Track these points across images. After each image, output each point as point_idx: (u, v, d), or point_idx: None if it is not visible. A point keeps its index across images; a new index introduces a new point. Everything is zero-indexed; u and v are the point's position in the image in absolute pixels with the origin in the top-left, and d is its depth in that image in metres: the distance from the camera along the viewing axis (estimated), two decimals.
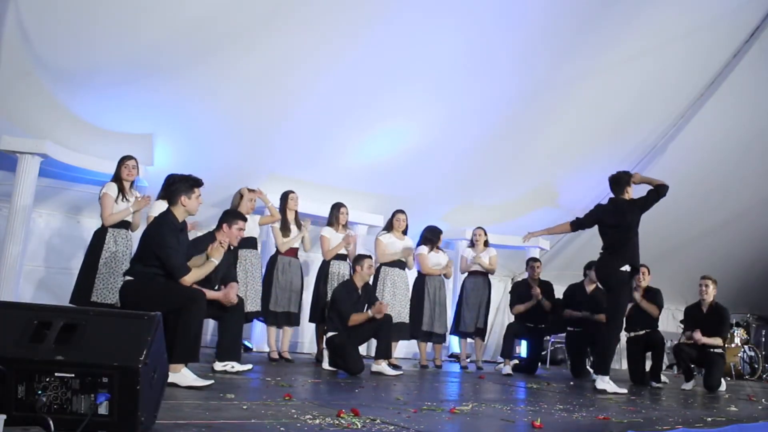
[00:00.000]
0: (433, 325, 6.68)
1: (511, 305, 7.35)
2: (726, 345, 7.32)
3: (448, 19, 6.16)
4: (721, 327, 6.48)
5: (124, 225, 5.13)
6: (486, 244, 7.32)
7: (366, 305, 5.78)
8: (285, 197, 6.27)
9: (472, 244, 7.36)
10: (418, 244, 6.85)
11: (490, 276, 7.33)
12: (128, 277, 3.92)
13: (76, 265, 5.39)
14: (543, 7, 6.48)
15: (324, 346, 5.72)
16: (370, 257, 5.90)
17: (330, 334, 5.53)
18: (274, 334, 6.13)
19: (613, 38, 6.95)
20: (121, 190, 5.11)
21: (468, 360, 7.31)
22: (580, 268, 7.48)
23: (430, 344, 7.06)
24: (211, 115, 6.29)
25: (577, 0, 6.57)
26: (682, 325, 9.54)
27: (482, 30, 6.39)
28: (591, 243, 9.35)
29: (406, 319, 6.45)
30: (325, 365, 5.55)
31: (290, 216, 6.20)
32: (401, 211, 6.65)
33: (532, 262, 7.41)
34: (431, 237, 6.81)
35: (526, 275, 7.51)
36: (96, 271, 4.90)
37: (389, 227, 6.65)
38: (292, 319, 6.13)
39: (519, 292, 7.31)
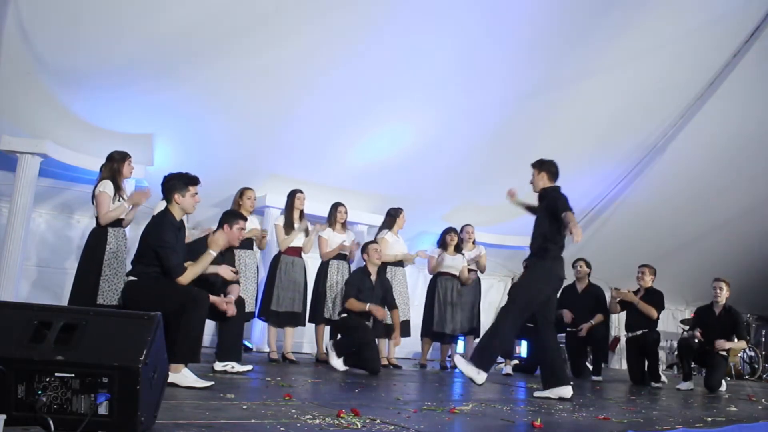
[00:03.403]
0: (444, 325, 6.67)
1: None
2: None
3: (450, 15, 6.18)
4: (738, 329, 6.38)
5: (118, 223, 5.04)
6: (474, 242, 7.30)
7: (381, 298, 5.83)
8: (292, 195, 6.22)
9: (461, 242, 7.28)
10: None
11: (480, 275, 7.31)
12: (131, 278, 3.92)
13: (71, 265, 5.34)
14: (543, 7, 6.48)
15: (331, 344, 5.76)
16: (375, 242, 6.00)
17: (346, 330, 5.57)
18: (274, 334, 6.10)
19: (614, 38, 6.95)
20: (118, 187, 4.95)
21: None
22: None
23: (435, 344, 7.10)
24: (211, 115, 6.29)
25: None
26: (683, 326, 9.58)
27: (484, 28, 6.40)
28: (591, 242, 9.40)
29: (408, 317, 6.48)
30: (339, 365, 5.45)
31: (295, 215, 6.18)
32: (400, 208, 6.72)
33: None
34: (443, 240, 6.90)
35: None
36: (100, 273, 4.81)
37: (390, 225, 6.66)
38: (296, 319, 6.09)
39: None
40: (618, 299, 6.79)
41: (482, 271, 7.31)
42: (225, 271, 4.32)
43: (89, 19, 5.20)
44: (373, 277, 5.83)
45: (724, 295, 6.43)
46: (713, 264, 9.62)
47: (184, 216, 4.19)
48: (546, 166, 4.83)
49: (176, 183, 3.97)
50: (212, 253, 4.08)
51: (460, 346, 7.94)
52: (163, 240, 3.83)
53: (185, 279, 3.89)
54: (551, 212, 4.58)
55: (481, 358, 4.36)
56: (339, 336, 5.85)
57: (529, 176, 4.95)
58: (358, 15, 5.85)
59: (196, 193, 4.03)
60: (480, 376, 4.30)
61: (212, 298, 4.15)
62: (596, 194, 9.03)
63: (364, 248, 6.00)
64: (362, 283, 5.68)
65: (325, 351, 6.31)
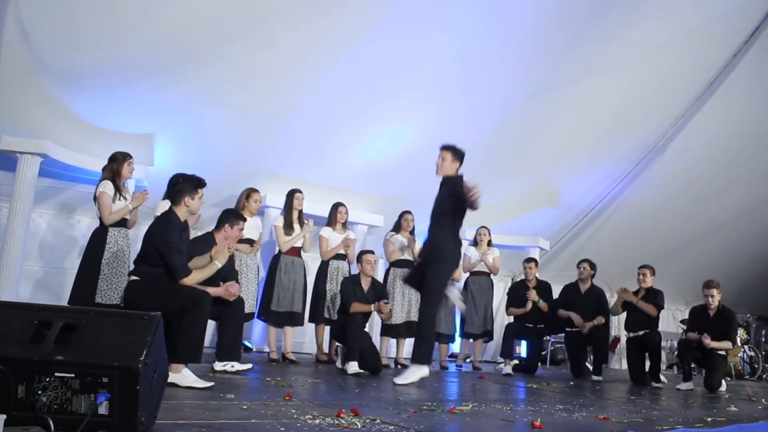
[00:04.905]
0: (440, 325, 6.66)
1: (507, 306, 7.35)
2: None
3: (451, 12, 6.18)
4: (729, 330, 6.37)
5: (122, 223, 5.06)
6: (489, 243, 7.31)
7: (375, 302, 5.83)
8: (290, 195, 6.22)
9: (475, 243, 7.33)
10: None
11: (492, 276, 7.33)
12: (133, 277, 3.92)
13: (71, 265, 5.34)
14: (543, 7, 6.48)
15: (336, 347, 5.75)
16: (370, 252, 5.98)
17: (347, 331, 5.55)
18: (274, 334, 6.10)
19: (614, 38, 6.96)
20: (118, 188, 4.96)
21: (467, 360, 7.30)
22: None
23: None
24: (212, 115, 6.29)
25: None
26: (683, 326, 9.58)
27: (484, 28, 6.41)
28: (591, 243, 9.41)
29: (416, 318, 6.48)
30: (353, 368, 5.31)
31: (294, 215, 6.19)
32: (409, 212, 6.69)
33: (526, 263, 7.37)
34: None
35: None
36: (99, 272, 4.82)
37: (397, 228, 6.67)
38: (296, 319, 6.08)
39: (517, 293, 7.30)
40: (621, 300, 6.79)
41: (494, 273, 7.32)
42: (227, 293, 4.36)
43: (89, 19, 5.20)
44: (366, 286, 5.82)
45: (716, 300, 6.43)
46: (713, 264, 9.63)
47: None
48: (460, 155, 5.10)
49: (186, 186, 3.98)
50: (217, 264, 4.10)
51: (456, 345, 7.96)
52: (169, 240, 3.83)
53: (189, 281, 3.89)
54: (455, 199, 4.90)
55: (421, 354, 4.81)
56: (338, 344, 5.82)
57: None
58: (358, 15, 5.85)
59: (202, 195, 4.06)
60: (424, 370, 4.76)
61: (213, 291, 4.16)
62: (596, 194, 9.04)
63: (359, 258, 5.95)
64: (354, 292, 5.68)
65: (325, 352, 6.33)
